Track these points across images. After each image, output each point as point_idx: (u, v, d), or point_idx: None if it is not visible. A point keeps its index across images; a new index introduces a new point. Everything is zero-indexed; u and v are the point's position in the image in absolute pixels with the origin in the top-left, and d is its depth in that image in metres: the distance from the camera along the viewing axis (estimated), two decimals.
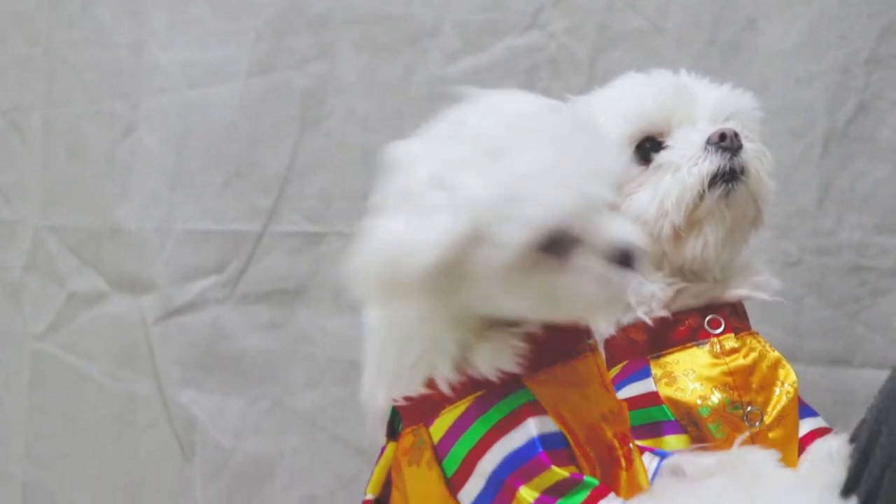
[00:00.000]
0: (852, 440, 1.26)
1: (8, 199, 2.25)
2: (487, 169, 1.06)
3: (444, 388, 1.14)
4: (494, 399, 1.13)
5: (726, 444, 1.40)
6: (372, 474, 1.25)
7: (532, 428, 1.12)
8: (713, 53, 2.01)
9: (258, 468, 2.15)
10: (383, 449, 1.23)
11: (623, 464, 1.18)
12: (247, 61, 2.16)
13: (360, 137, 2.13)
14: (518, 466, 1.10)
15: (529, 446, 1.11)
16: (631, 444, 1.21)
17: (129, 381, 2.19)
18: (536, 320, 1.14)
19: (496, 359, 1.13)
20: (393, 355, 1.18)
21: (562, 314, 1.14)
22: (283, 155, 2.15)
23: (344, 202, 2.12)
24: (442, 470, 1.14)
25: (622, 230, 1.11)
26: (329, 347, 2.14)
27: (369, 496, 1.25)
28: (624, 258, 1.10)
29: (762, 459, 1.25)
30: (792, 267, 1.99)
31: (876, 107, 1.98)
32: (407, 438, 1.19)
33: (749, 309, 1.51)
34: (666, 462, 1.28)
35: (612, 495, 1.10)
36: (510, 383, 1.13)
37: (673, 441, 1.40)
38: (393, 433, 1.22)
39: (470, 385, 1.15)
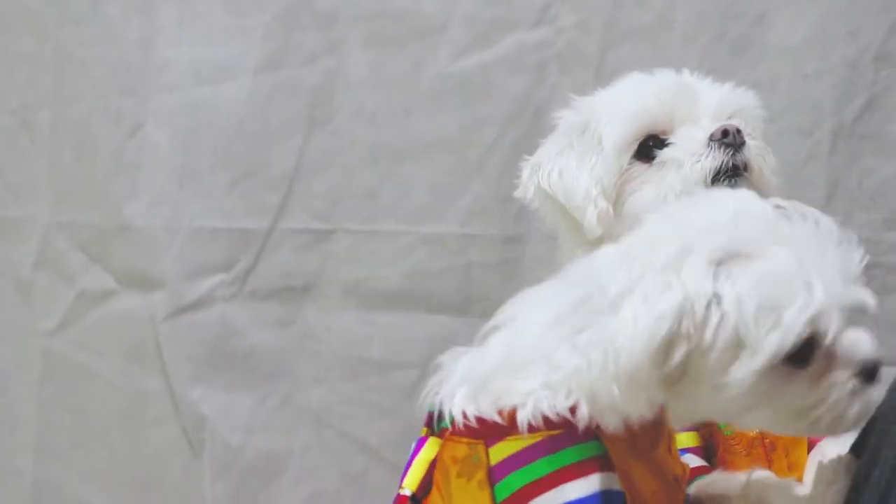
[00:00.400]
0: (860, 440, 1.25)
1: (17, 196, 2.26)
2: (739, 269, 1.03)
3: (522, 423, 1.11)
4: (567, 443, 1.11)
5: (735, 440, 1.40)
6: (408, 467, 1.20)
7: (597, 483, 1.09)
8: (721, 49, 2.01)
9: (267, 464, 2.15)
10: (422, 441, 1.20)
11: None
12: (255, 58, 2.15)
13: (369, 134, 2.13)
14: None
15: (591, 500, 1.09)
16: None
17: (139, 378, 2.19)
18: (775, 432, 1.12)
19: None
20: (507, 377, 1.15)
21: (806, 430, 1.11)
22: (291, 152, 2.15)
23: (352, 199, 2.12)
24: (494, 494, 1.12)
25: (868, 340, 1.08)
26: (337, 344, 2.14)
27: (406, 491, 1.19)
28: (871, 372, 1.08)
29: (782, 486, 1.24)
30: None
31: (884, 103, 1.97)
32: (460, 448, 1.16)
33: None
34: (692, 491, 1.28)
35: None
36: (586, 432, 1.11)
37: (684, 438, 1.41)
38: (434, 428, 1.20)
39: (546, 423, 1.12)
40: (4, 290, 2.26)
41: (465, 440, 1.16)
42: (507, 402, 1.13)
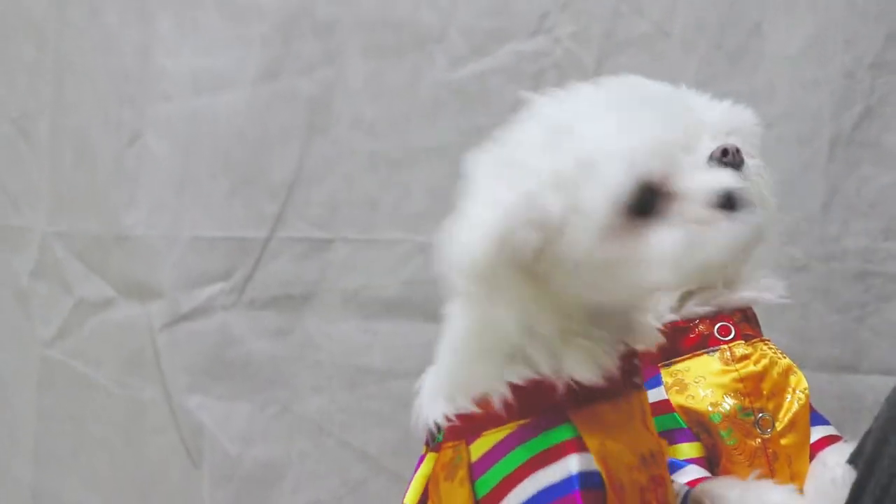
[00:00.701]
0: (858, 450, 1.25)
1: (16, 205, 2.26)
2: (560, 143, 1.05)
3: (498, 406, 1.12)
4: (539, 429, 1.12)
5: (738, 450, 1.40)
6: (410, 483, 1.22)
7: (573, 464, 1.09)
8: (719, 58, 2.01)
9: (266, 474, 2.15)
10: (422, 458, 1.21)
11: None
12: (254, 67, 2.16)
13: (367, 143, 2.13)
14: (551, 501, 1.08)
15: (566, 483, 1.09)
16: (667, 486, 1.19)
17: (137, 387, 2.19)
18: (647, 294, 1.12)
19: (581, 366, 1.11)
20: (462, 363, 1.16)
21: (682, 276, 1.08)
22: (289, 161, 2.15)
23: (351, 208, 2.12)
24: (473, 490, 1.13)
25: (722, 174, 1.09)
26: (336, 353, 2.14)
27: None
28: (726, 202, 1.08)
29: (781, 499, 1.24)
30: (798, 272, 1.98)
31: (882, 112, 1.98)
32: (446, 453, 1.17)
33: (772, 307, 1.51)
34: (691, 496, 1.28)
35: None
36: (557, 416, 1.11)
37: (686, 448, 1.40)
38: (432, 443, 1.21)
39: (517, 411, 1.13)
40: (3, 298, 2.27)
41: (450, 444, 1.17)
42: (476, 390, 1.14)
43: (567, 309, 1.11)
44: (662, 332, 1.43)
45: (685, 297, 1.46)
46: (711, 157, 1.42)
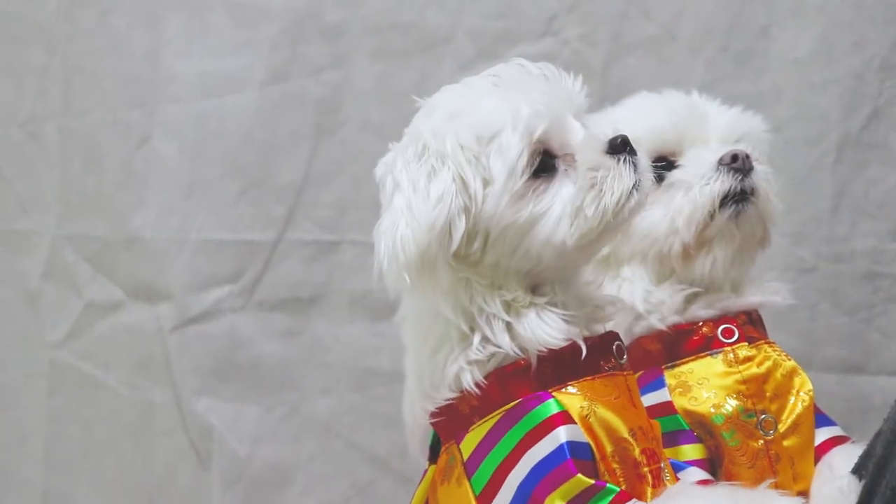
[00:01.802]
0: (868, 452, 1.25)
1: (25, 208, 2.26)
2: (460, 126, 1.16)
3: (471, 386, 1.16)
4: (524, 411, 1.14)
5: (740, 451, 1.40)
6: (413, 497, 1.25)
7: (562, 435, 1.13)
8: (726, 61, 2.02)
9: (275, 475, 2.15)
10: (425, 472, 1.23)
11: (649, 480, 1.18)
12: (262, 70, 2.16)
13: (375, 145, 2.10)
14: (546, 474, 1.11)
15: (558, 453, 1.12)
16: (662, 463, 1.20)
17: (146, 389, 2.20)
18: (575, 249, 1.17)
19: (537, 330, 1.16)
20: (426, 356, 1.20)
21: (597, 224, 1.17)
22: (298, 163, 2.15)
23: (359, 210, 2.12)
24: (472, 486, 1.14)
25: (599, 130, 1.19)
26: (344, 355, 2.14)
27: None
28: (617, 146, 1.18)
29: None
30: (806, 274, 1.99)
31: (890, 113, 1.98)
32: (442, 458, 1.20)
33: (763, 317, 1.51)
34: None
35: (633, 501, 1.11)
36: (541, 395, 1.15)
37: (689, 450, 1.41)
38: (434, 457, 1.22)
39: (500, 397, 1.16)
40: (13, 301, 2.27)
41: (444, 448, 1.20)
42: (447, 380, 1.18)
43: (507, 284, 1.18)
44: (666, 333, 1.44)
45: (690, 299, 1.46)
46: (721, 162, 1.44)
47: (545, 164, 1.17)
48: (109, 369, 2.22)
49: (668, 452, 1.37)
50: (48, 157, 2.25)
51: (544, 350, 1.16)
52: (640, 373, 1.44)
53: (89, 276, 2.23)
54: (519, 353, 1.17)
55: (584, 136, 1.19)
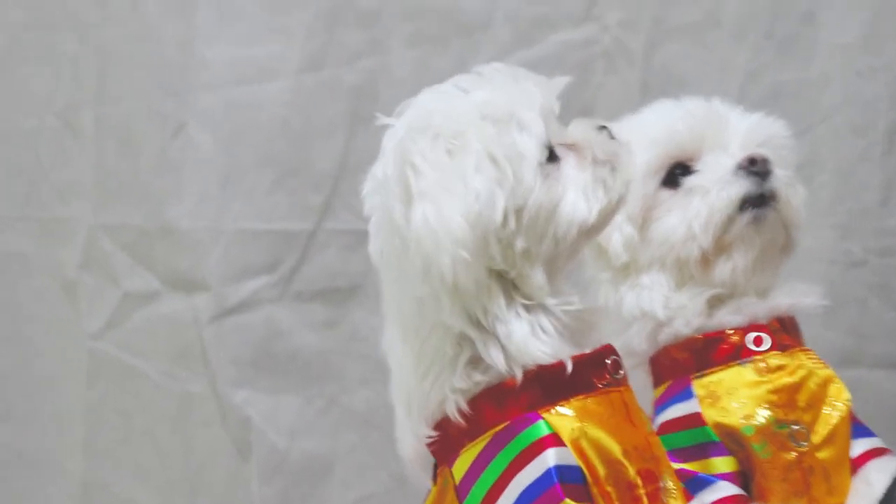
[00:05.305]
0: None
1: (62, 196, 2.26)
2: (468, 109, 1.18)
3: (454, 414, 1.14)
4: (514, 433, 1.12)
5: (771, 463, 1.39)
6: None
7: (550, 458, 1.10)
8: (770, 47, 1.99)
9: (314, 467, 2.15)
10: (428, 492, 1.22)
11: (645, 502, 1.16)
12: (297, 57, 2.14)
13: None
14: (533, 499, 1.09)
15: (546, 477, 1.09)
16: (661, 483, 1.18)
17: (184, 380, 2.20)
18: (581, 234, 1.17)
19: (529, 345, 1.13)
20: (415, 381, 1.19)
21: (606, 204, 1.17)
22: (334, 152, 2.14)
23: None
24: None
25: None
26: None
27: None
28: (602, 127, 1.21)
29: None
30: (855, 268, 1.96)
31: None
32: (438, 481, 1.19)
33: (810, 313, 1.48)
34: None
35: None
36: (527, 418, 1.13)
37: (719, 463, 1.39)
38: (436, 477, 1.21)
39: (489, 418, 1.14)
40: (50, 290, 2.27)
41: (440, 472, 1.18)
42: (434, 404, 1.17)
43: (531, 277, 1.15)
44: (694, 342, 1.42)
45: (713, 303, 1.44)
46: (739, 166, 1.43)
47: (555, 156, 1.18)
48: (148, 359, 2.22)
49: (696, 466, 1.36)
50: (84, 146, 2.24)
51: (533, 366, 1.13)
52: (669, 383, 1.43)
53: (126, 265, 2.22)
54: (509, 369, 1.14)
55: (576, 121, 1.21)
